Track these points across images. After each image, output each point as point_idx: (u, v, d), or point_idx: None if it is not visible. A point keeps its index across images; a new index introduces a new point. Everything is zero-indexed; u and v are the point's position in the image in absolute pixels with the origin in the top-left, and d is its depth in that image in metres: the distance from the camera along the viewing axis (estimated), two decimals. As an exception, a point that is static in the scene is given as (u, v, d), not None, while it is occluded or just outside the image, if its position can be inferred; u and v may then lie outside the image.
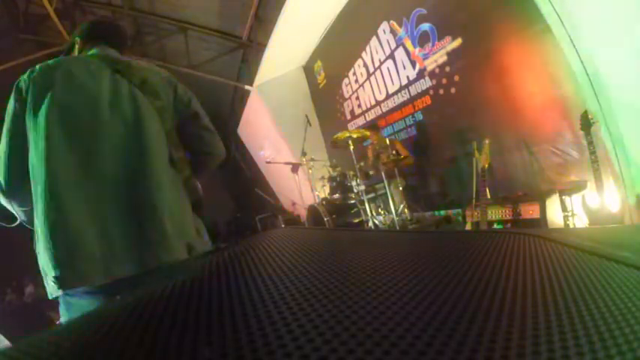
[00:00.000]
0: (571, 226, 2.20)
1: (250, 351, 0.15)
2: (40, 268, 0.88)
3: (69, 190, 0.86)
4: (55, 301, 0.87)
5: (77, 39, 1.14)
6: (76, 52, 1.14)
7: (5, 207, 0.98)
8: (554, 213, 2.20)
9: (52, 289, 0.84)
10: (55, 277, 0.82)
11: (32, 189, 0.89)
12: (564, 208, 2.24)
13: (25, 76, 0.95)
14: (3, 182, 0.93)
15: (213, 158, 1.17)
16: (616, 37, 1.94)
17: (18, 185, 0.92)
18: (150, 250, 0.87)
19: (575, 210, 2.21)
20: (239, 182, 9.41)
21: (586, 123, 2.04)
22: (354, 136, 3.59)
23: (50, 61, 1.00)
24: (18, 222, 1.02)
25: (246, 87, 6.08)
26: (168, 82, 1.09)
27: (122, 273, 0.84)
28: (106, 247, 0.85)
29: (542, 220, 2.17)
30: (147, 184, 0.91)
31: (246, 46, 5.76)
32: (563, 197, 2.25)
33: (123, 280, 0.84)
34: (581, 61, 2.08)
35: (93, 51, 1.08)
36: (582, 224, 2.14)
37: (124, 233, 0.87)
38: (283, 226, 5.55)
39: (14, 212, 0.98)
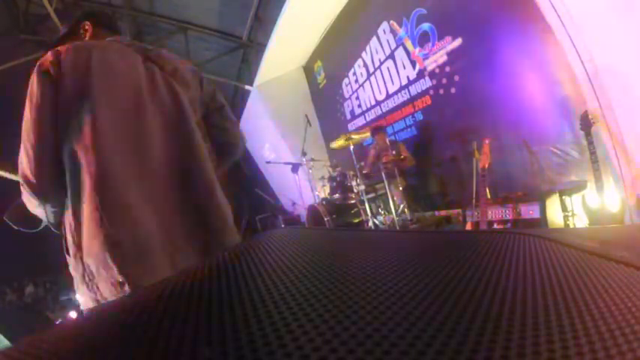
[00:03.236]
0: (571, 226, 2.20)
1: (250, 351, 0.15)
2: (80, 274, 0.79)
3: (126, 179, 0.80)
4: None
5: (87, 23, 1.02)
6: (87, 38, 1.02)
7: (29, 211, 0.87)
8: (554, 213, 2.20)
9: (107, 293, 0.76)
10: (126, 275, 0.75)
11: (70, 183, 0.80)
12: (564, 208, 2.24)
13: (49, 58, 0.84)
14: (35, 179, 0.80)
15: (237, 148, 1.16)
16: (616, 37, 1.94)
17: (51, 182, 0.81)
18: (214, 237, 0.88)
19: (575, 210, 2.21)
20: (239, 182, 9.41)
21: (586, 123, 2.04)
22: (354, 137, 3.58)
23: (76, 43, 0.90)
24: (43, 226, 0.93)
25: (246, 87, 6.08)
26: (194, 72, 1.06)
27: (184, 262, 0.81)
28: (166, 236, 0.82)
29: (542, 220, 2.17)
30: (200, 173, 0.90)
31: (246, 46, 5.76)
32: (563, 197, 2.24)
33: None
34: (581, 61, 2.08)
35: (111, 39, 0.99)
36: (582, 224, 2.14)
37: (182, 221, 0.85)
38: (283, 226, 5.55)
39: (42, 214, 0.87)
